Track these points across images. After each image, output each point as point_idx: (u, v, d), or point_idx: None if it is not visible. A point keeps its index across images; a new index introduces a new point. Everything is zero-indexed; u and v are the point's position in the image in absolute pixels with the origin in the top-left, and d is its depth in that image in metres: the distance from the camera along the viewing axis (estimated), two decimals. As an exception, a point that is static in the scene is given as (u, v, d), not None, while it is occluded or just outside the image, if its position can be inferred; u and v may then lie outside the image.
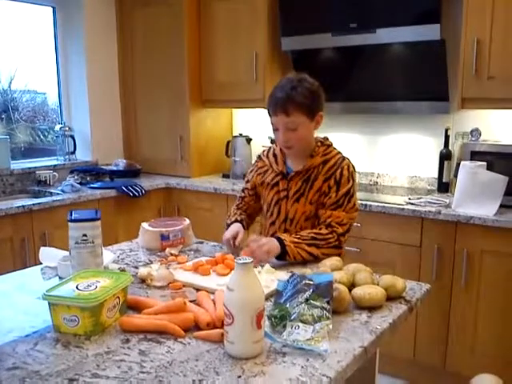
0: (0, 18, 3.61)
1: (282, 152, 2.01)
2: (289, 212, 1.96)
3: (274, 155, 2.04)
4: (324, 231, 1.85)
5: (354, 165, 1.97)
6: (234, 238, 1.93)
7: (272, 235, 1.90)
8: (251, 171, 2.13)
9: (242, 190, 2.16)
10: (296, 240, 1.80)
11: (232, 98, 3.64)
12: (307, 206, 1.92)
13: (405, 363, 2.81)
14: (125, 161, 3.91)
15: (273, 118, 1.87)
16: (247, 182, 2.14)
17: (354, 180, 1.93)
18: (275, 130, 1.90)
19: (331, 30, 3.09)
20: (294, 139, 1.86)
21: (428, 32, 2.75)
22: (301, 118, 1.83)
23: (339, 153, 1.97)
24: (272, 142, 3.27)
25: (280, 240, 1.79)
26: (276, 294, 1.41)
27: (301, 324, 1.23)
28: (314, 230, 1.86)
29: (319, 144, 1.96)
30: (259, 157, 2.13)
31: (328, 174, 1.90)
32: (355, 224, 2.73)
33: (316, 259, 1.79)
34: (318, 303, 1.27)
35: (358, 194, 3.01)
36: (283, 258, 1.79)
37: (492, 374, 2.20)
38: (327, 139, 2.00)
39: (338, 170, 1.90)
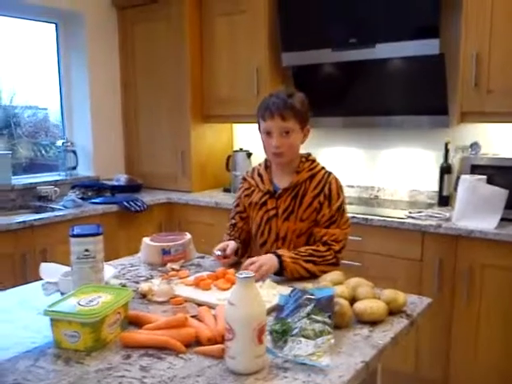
0: (2, 34, 3.65)
1: (268, 171, 2.01)
2: (280, 230, 1.94)
3: (259, 175, 2.03)
4: (321, 248, 1.84)
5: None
6: (224, 250, 1.92)
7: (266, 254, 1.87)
8: (238, 194, 2.11)
9: (232, 217, 2.12)
10: (294, 256, 1.79)
11: (233, 113, 3.66)
12: (298, 223, 1.91)
13: (407, 378, 2.79)
14: (126, 176, 3.91)
15: (267, 122, 1.87)
16: (237, 205, 2.10)
17: (343, 194, 1.94)
18: (267, 134, 1.89)
19: (331, 45, 3.11)
20: (286, 145, 1.86)
21: (427, 47, 2.77)
22: (295, 124, 1.86)
23: (323, 168, 1.98)
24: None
25: (278, 256, 1.77)
26: (277, 308, 1.41)
27: (302, 339, 1.22)
28: (312, 247, 1.85)
29: (303, 160, 1.96)
30: (244, 178, 2.11)
31: (317, 190, 1.90)
32: (356, 238, 2.77)
33: (313, 277, 1.77)
34: (319, 318, 1.27)
35: (359, 208, 3.06)
36: (281, 274, 1.77)
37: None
38: (310, 155, 2.01)
39: (327, 186, 1.91)
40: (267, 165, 2.03)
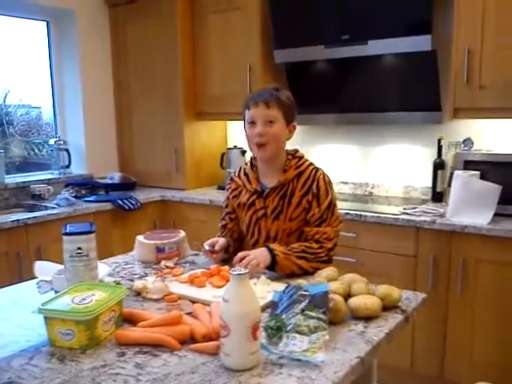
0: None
1: (254, 169, 1.98)
2: (270, 230, 1.92)
3: (246, 174, 2.01)
4: (314, 245, 1.82)
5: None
6: (213, 246, 1.92)
7: None
8: (226, 195, 2.09)
9: (222, 218, 2.10)
10: (286, 251, 1.78)
11: (226, 111, 3.65)
12: (287, 222, 1.89)
13: (402, 373, 2.80)
14: (120, 174, 3.91)
15: (252, 110, 1.84)
16: (226, 206, 2.09)
17: (332, 190, 1.92)
18: (251, 124, 1.86)
19: (324, 42, 3.11)
20: (269, 134, 1.83)
21: (419, 43, 2.77)
22: (279, 115, 1.84)
23: (312, 164, 1.95)
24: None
25: (270, 250, 1.77)
26: (272, 305, 1.41)
27: (297, 335, 1.23)
28: (305, 244, 1.83)
29: (290, 157, 1.93)
30: (231, 178, 2.08)
31: (305, 189, 1.88)
32: (350, 234, 2.77)
33: (305, 273, 1.76)
34: (313, 314, 1.27)
35: (353, 205, 3.06)
36: (272, 269, 1.76)
37: (490, 383, 2.20)
38: (297, 151, 1.97)
39: (314, 183, 1.88)
40: (253, 164, 2.00)
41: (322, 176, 1.90)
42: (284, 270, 1.77)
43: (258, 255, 1.74)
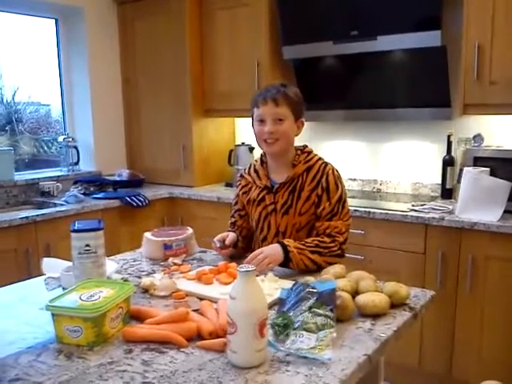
0: (3, 30, 3.65)
1: (264, 166, 1.99)
2: (279, 225, 1.92)
3: (256, 171, 2.01)
4: (326, 239, 1.82)
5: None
6: (223, 241, 1.92)
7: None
8: (236, 192, 2.09)
9: (232, 215, 2.11)
10: (300, 246, 1.78)
11: (234, 108, 3.65)
12: (297, 217, 1.89)
13: (410, 371, 2.79)
14: (128, 171, 3.91)
15: (260, 108, 1.85)
16: (235, 203, 2.09)
17: (342, 184, 1.91)
18: (260, 122, 1.86)
19: (332, 38, 3.10)
20: (279, 132, 1.84)
21: (429, 38, 2.75)
22: (288, 111, 1.84)
23: (321, 158, 1.95)
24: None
25: (283, 246, 1.76)
26: (279, 302, 1.40)
27: (304, 332, 1.22)
28: (317, 238, 1.83)
29: (299, 152, 1.94)
30: (241, 175, 2.09)
31: (314, 183, 1.88)
32: (359, 231, 2.76)
33: (319, 268, 1.76)
34: (321, 311, 1.27)
35: (361, 202, 3.05)
36: (286, 265, 1.77)
37: (499, 381, 2.18)
38: (306, 146, 1.98)
39: (324, 177, 1.88)
40: (263, 160, 2.01)
41: (331, 170, 1.90)
42: (298, 266, 1.76)
43: (271, 253, 1.74)
